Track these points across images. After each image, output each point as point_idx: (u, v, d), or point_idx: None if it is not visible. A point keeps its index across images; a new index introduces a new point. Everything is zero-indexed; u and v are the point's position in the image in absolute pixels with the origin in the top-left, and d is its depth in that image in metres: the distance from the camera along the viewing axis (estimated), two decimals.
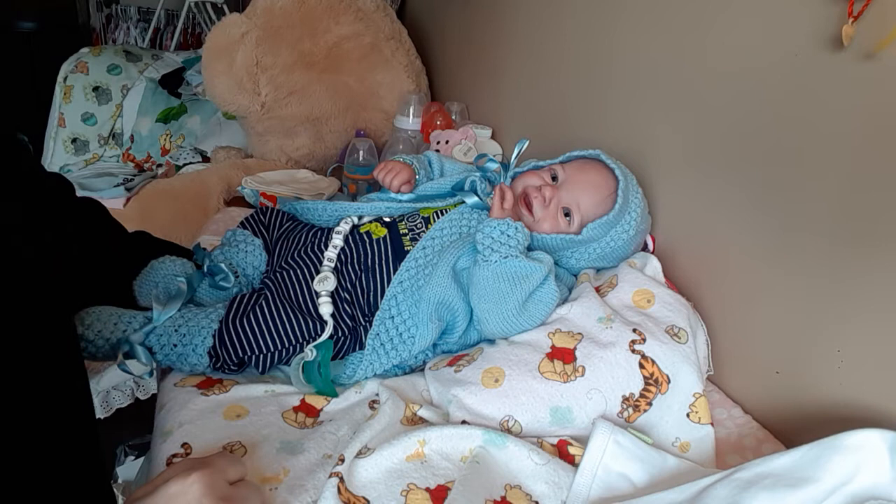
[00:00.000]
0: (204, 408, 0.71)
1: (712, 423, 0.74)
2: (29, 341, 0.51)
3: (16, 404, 0.48)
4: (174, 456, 0.64)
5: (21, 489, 0.47)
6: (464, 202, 0.93)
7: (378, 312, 0.82)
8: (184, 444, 0.65)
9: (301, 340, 0.78)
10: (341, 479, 0.61)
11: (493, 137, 1.53)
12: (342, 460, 0.62)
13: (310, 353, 0.77)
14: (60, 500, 0.49)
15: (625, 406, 0.74)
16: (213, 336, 0.75)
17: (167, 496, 0.52)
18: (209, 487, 0.52)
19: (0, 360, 0.48)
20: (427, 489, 0.63)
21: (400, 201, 0.97)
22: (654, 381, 0.74)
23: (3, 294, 0.50)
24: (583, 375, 0.74)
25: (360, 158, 1.44)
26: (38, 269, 0.56)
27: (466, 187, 0.96)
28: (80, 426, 0.55)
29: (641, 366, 0.75)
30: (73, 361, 0.57)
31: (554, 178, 0.93)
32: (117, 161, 2.18)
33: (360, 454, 0.65)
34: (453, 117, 1.57)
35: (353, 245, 0.87)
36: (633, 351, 0.75)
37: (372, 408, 0.76)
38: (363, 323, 0.83)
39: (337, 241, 0.87)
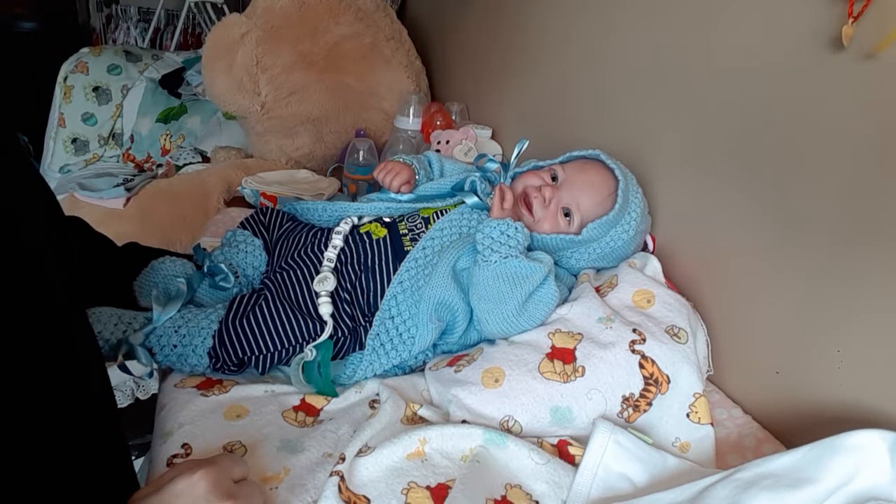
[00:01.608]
0: (204, 408, 0.71)
1: (712, 423, 0.74)
2: (49, 333, 0.52)
3: (33, 395, 0.48)
4: (174, 456, 0.64)
5: (43, 478, 0.47)
6: (464, 202, 0.94)
7: (378, 313, 0.82)
8: (184, 445, 0.65)
9: (301, 341, 0.78)
10: (342, 478, 0.61)
11: (493, 137, 1.53)
12: (343, 459, 0.62)
13: (309, 353, 0.77)
14: (83, 486, 0.50)
15: (625, 406, 0.74)
16: (213, 337, 0.75)
17: (173, 493, 0.52)
18: (215, 484, 0.53)
19: (21, 351, 0.48)
20: (427, 487, 0.63)
21: (400, 201, 0.97)
22: (653, 381, 0.74)
23: (21, 286, 0.50)
24: (583, 375, 0.74)
25: (360, 158, 1.44)
26: (53, 263, 0.56)
27: (466, 187, 0.96)
28: (102, 415, 0.55)
29: (641, 366, 0.75)
30: (91, 353, 0.57)
31: (554, 179, 0.93)
32: (117, 161, 2.18)
33: (360, 453, 0.65)
34: (453, 117, 1.57)
35: (352, 245, 0.87)
36: (633, 351, 0.75)
37: (372, 407, 0.76)
38: (363, 323, 0.83)
39: (337, 241, 0.87)
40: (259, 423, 0.70)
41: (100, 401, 0.56)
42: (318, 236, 0.90)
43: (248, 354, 0.76)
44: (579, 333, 0.78)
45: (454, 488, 0.62)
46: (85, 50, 2.26)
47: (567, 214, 0.91)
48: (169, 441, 0.66)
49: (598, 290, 0.86)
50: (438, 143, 1.45)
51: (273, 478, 0.63)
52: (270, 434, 0.68)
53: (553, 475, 0.65)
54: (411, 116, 1.55)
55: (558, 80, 1.29)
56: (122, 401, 1.56)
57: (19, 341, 0.48)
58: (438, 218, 0.90)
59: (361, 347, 0.81)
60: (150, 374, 0.76)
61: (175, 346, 0.75)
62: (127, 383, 1.57)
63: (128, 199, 1.68)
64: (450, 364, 0.80)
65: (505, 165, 0.99)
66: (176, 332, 0.76)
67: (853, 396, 0.69)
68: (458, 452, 0.68)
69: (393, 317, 0.81)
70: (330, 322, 0.79)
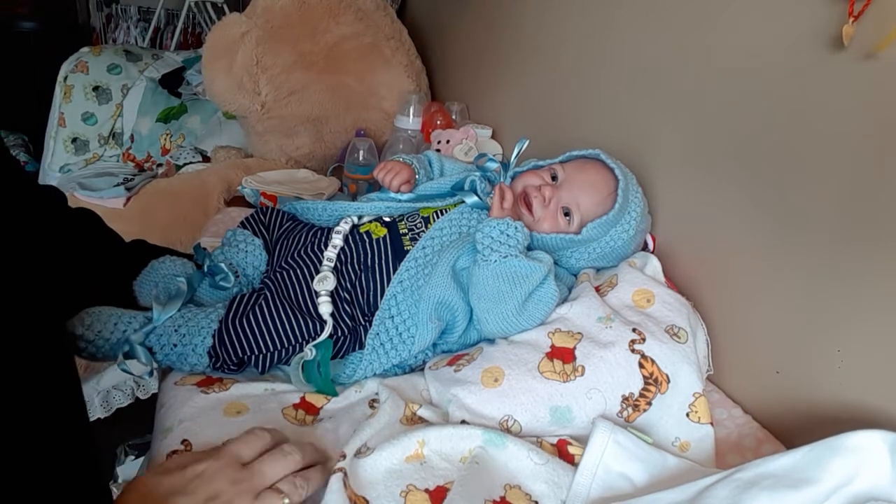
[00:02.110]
0: (204, 405, 0.71)
1: (712, 423, 0.74)
2: (20, 341, 0.51)
3: (6, 405, 0.48)
4: (174, 452, 0.64)
5: (13, 488, 0.47)
6: (463, 202, 0.93)
7: (378, 312, 0.81)
8: (184, 441, 0.65)
9: (301, 340, 0.78)
10: (345, 474, 0.61)
11: (493, 137, 1.53)
12: (343, 457, 0.62)
13: (309, 352, 0.77)
14: (55, 499, 0.50)
15: (624, 406, 0.74)
16: (213, 336, 0.75)
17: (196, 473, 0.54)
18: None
19: None
20: (426, 490, 0.63)
21: (400, 201, 0.97)
22: (653, 381, 0.74)
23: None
24: (582, 375, 0.74)
25: (361, 158, 1.44)
26: (27, 270, 0.56)
27: (466, 187, 0.96)
28: (73, 425, 0.55)
29: (641, 365, 0.75)
30: (63, 362, 0.57)
31: (554, 178, 0.93)
32: (117, 161, 2.19)
33: (359, 453, 0.65)
34: (453, 117, 1.57)
35: (352, 245, 0.87)
36: (633, 350, 0.75)
37: (372, 406, 0.76)
38: (363, 323, 0.83)
39: (336, 240, 0.87)
40: (259, 421, 0.69)
41: (71, 403, 0.56)
42: (318, 236, 0.90)
43: (248, 354, 0.76)
44: (579, 333, 0.78)
45: (452, 490, 0.62)
46: (85, 49, 2.26)
47: (567, 214, 0.91)
48: (169, 437, 0.66)
49: (597, 289, 0.86)
50: (439, 142, 1.45)
51: None
52: None
53: (552, 475, 0.65)
54: (411, 116, 1.55)
55: (558, 80, 1.29)
56: (122, 400, 1.57)
57: None
58: (438, 217, 0.90)
59: (361, 347, 0.81)
60: (150, 374, 0.75)
61: (175, 346, 0.75)
62: (127, 383, 1.57)
63: (128, 199, 1.69)
64: (449, 363, 0.80)
65: (505, 165, 0.99)
66: (176, 331, 0.75)
67: (853, 396, 0.69)
68: (457, 454, 0.68)
69: (393, 316, 0.81)
70: (330, 321, 0.79)
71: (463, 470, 0.65)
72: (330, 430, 0.70)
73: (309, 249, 0.88)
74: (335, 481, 0.60)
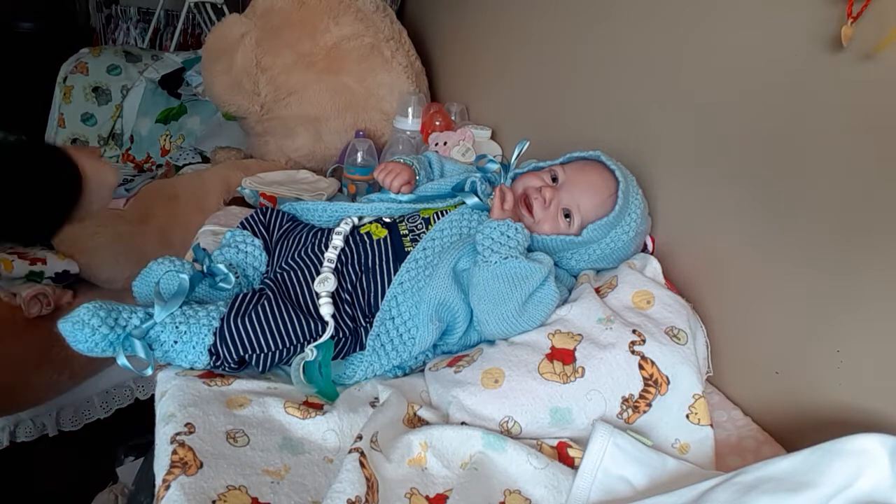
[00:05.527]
0: (207, 395, 0.70)
1: (712, 425, 0.74)
2: None
3: None
4: (178, 434, 0.63)
5: None
6: (464, 203, 0.93)
7: (378, 313, 0.81)
8: (187, 424, 0.65)
9: (301, 340, 0.78)
10: (362, 454, 0.61)
11: (492, 138, 1.53)
12: (360, 437, 0.63)
13: (310, 352, 0.77)
14: None
15: (624, 407, 0.74)
16: (214, 333, 0.75)
17: None
18: None
19: None
20: (427, 497, 0.63)
21: (400, 202, 0.97)
22: (653, 382, 0.74)
23: None
24: (582, 376, 0.74)
25: (360, 159, 1.44)
26: None
27: (466, 188, 0.96)
28: None
29: (641, 367, 0.75)
30: None
31: (554, 180, 0.93)
32: (117, 161, 2.18)
33: (373, 442, 0.65)
34: (453, 118, 1.56)
35: (353, 246, 0.87)
36: (633, 352, 0.75)
37: (372, 406, 0.75)
38: (364, 324, 0.83)
39: (337, 241, 0.87)
40: (261, 417, 0.69)
41: None
42: (319, 237, 0.90)
43: (249, 352, 0.76)
44: (579, 334, 0.78)
45: (451, 499, 0.62)
46: (85, 50, 2.26)
47: (567, 215, 0.91)
48: (172, 422, 0.65)
49: (597, 290, 0.86)
50: (436, 144, 1.45)
51: (274, 473, 0.63)
52: (273, 429, 0.68)
53: (552, 479, 0.65)
54: (411, 117, 1.55)
55: (558, 80, 1.29)
56: (122, 401, 1.57)
57: None
58: (439, 218, 0.90)
59: (362, 348, 0.81)
60: (150, 369, 0.75)
61: (175, 342, 0.74)
62: (126, 383, 1.57)
63: (127, 200, 1.68)
64: (449, 365, 0.80)
65: (505, 166, 0.99)
66: (176, 328, 0.75)
67: (853, 397, 0.68)
68: (457, 459, 0.68)
69: (393, 317, 0.81)
70: (331, 322, 0.79)
71: (462, 477, 0.65)
72: (332, 430, 0.70)
73: (309, 250, 0.88)
74: (351, 461, 0.60)
